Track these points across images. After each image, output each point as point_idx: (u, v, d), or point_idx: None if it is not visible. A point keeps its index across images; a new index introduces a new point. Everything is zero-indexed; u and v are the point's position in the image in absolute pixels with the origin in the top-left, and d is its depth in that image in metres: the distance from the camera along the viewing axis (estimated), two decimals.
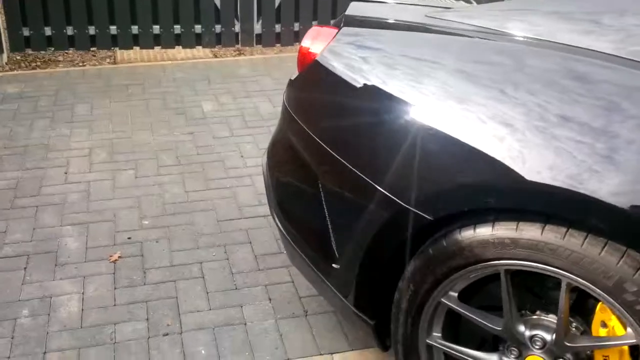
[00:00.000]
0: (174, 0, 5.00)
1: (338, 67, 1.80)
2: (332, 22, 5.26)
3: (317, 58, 1.87)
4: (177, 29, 5.10)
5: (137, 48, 5.08)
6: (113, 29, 4.97)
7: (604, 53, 1.42)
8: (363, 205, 1.67)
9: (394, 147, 1.59)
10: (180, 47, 5.15)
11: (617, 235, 1.29)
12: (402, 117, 1.59)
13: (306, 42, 1.94)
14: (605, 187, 1.24)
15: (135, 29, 5.02)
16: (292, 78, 2.03)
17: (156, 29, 5.05)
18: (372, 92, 1.70)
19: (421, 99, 1.57)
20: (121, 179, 3.16)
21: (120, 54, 4.99)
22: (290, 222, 2.03)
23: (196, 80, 4.49)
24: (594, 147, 1.28)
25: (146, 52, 5.06)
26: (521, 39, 1.56)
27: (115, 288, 2.38)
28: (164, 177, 3.19)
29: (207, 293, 2.36)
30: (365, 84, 1.72)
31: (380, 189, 1.59)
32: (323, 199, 1.82)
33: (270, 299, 2.34)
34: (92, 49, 5.00)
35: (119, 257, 2.55)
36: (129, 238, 2.68)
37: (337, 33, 1.86)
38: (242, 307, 2.29)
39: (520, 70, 1.47)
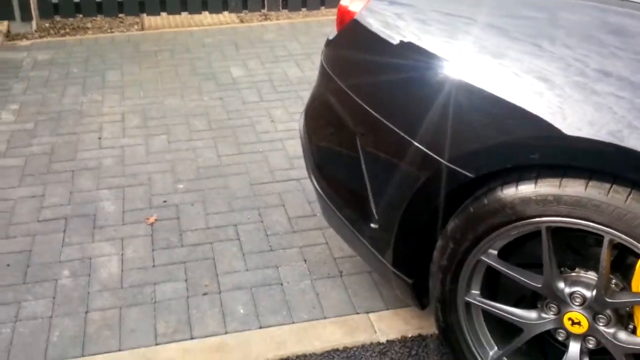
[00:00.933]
0: None
1: (375, 24, 1.80)
2: None
3: (355, 17, 1.86)
4: None
5: (164, 14, 5.07)
6: None
7: None
8: (402, 164, 1.68)
9: (432, 104, 1.59)
10: (207, 12, 5.14)
11: None
12: (440, 73, 1.58)
13: (345, 1, 1.93)
14: None
15: None
16: (330, 37, 2.02)
17: None
18: (409, 49, 1.69)
19: (457, 55, 1.56)
20: (154, 143, 3.19)
21: (147, 20, 5.00)
22: (328, 182, 2.04)
23: (224, 45, 4.49)
24: (633, 102, 1.27)
25: (173, 18, 5.06)
26: None
27: (153, 250, 2.42)
28: (197, 141, 3.21)
29: (244, 254, 2.40)
30: (401, 41, 1.71)
31: (420, 147, 1.59)
32: (362, 158, 1.82)
33: (305, 260, 2.37)
34: (119, 15, 5.01)
35: (156, 219, 2.59)
36: (165, 201, 2.72)
37: None
38: (278, 268, 2.33)
39: (555, 23, 1.45)
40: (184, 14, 5.11)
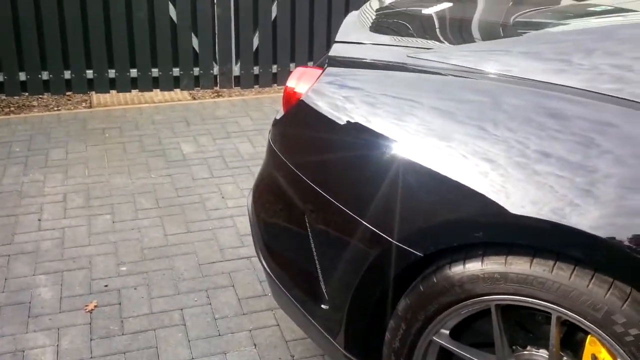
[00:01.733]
0: (151, 44, 5.01)
1: (323, 106, 1.81)
2: (310, 63, 5.32)
3: (302, 98, 1.87)
4: (155, 72, 5.10)
5: (113, 91, 5.06)
6: (89, 73, 4.96)
7: (576, 88, 1.45)
8: (351, 244, 1.66)
9: (381, 184, 1.59)
10: (158, 90, 5.15)
11: (603, 267, 1.30)
12: (388, 154, 1.60)
13: (291, 83, 1.94)
14: (587, 220, 1.26)
15: (112, 73, 5.01)
16: (277, 117, 2.02)
17: (133, 72, 5.05)
18: (357, 131, 1.70)
19: (405, 137, 1.58)
20: (97, 224, 3.10)
21: (96, 97, 4.97)
22: (277, 262, 2.00)
23: (174, 122, 4.48)
24: (573, 181, 1.30)
25: (123, 95, 5.05)
26: (496, 77, 1.59)
27: (91, 339, 2.30)
28: (143, 220, 3.14)
29: (189, 341, 2.30)
30: (349, 122, 1.73)
31: (369, 226, 1.58)
32: (311, 238, 1.80)
33: (255, 345, 2.28)
34: (67, 93, 4.98)
35: (95, 306, 2.48)
36: (106, 286, 2.61)
37: (321, 73, 1.86)
38: (225, 354, 2.24)
39: (498, 107, 1.49)
40: (135, 92, 5.10)
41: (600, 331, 1.31)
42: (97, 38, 4.87)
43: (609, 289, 1.29)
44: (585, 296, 1.30)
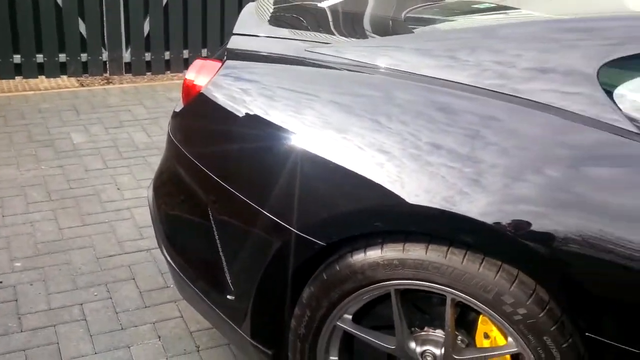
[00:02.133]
0: (36, 29, 4.77)
1: (222, 99, 1.83)
2: (204, 50, 5.25)
3: (202, 90, 1.88)
4: (40, 58, 4.86)
5: None
6: None
7: (462, 84, 1.55)
8: (255, 234, 1.70)
9: (282, 176, 1.63)
10: (44, 77, 4.92)
11: (491, 252, 1.41)
12: (288, 147, 1.64)
13: (190, 75, 1.94)
14: (475, 207, 1.36)
15: None
16: (177, 110, 2.02)
17: (17, 58, 4.80)
18: (256, 122, 1.74)
19: (303, 129, 1.62)
20: None
21: None
22: (180, 254, 2.00)
23: (63, 110, 4.31)
24: (462, 171, 1.40)
25: (6, 82, 4.79)
26: (389, 71, 1.67)
27: None
28: (35, 214, 3.02)
29: (91, 336, 2.26)
30: (248, 115, 1.76)
31: (272, 217, 1.62)
32: (214, 229, 1.82)
33: (159, 337, 2.28)
34: None
35: None
36: (0, 282, 2.51)
37: (220, 66, 1.87)
38: (129, 347, 2.22)
39: (391, 101, 1.57)
40: (19, 79, 4.85)
41: (491, 311, 1.42)
42: None
43: (497, 272, 1.39)
44: (476, 279, 1.41)
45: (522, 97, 1.47)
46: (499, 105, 1.47)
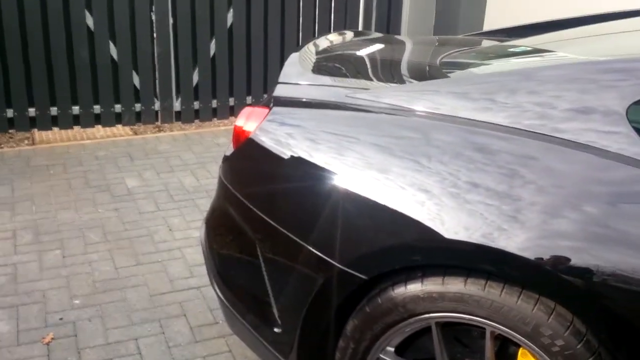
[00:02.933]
0: (93, 81, 5.05)
1: (270, 143, 1.94)
2: (249, 98, 5.45)
3: (250, 136, 2.00)
4: (97, 108, 5.13)
5: (55, 129, 5.06)
6: (32, 111, 4.95)
7: (500, 125, 1.62)
8: (300, 269, 1.78)
9: (325, 213, 1.72)
10: (100, 126, 5.18)
11: (529, 285, 1.46)
12: (333, 186, 1.73)
13: (240, 121, 2.07)
14: (513, 242, 1.41)
15: (54, 110, 5.01)
16: (227, 154, 2.15)
17: (75, 109, 5.07)
18: (300, 164, 1.82)
19: (346, 169, 1.71)
20: (48, 259, 3.13)
21: (38, 134, 4.95)
22: (230, 289, 2.10)
23: (118, 157, 4.53)
24: (500, 209, 1.46)
25: (65, 132, 5.05)
26: (427, 114, 1.75)
27: None
28: (92, 254, 3.18)
29: None
30: (292, 157, 1.86)
31: (317, 252, 1.71)
32: (262, 264, 1.92)
33: None
34: (9, 131, 4.94)
35: (52, 338, 2.52)
36: (61, 319, 2.65)
37: (268, 112, 2.00)
38: None
39: (430, 143, 1.66)
40: (77, 128, 5.12)
41: (529, 343, 1.46)
42: (39, 76, 4.87)
43: (535, 304, 1.44)
44: (514, 311, 1.46)
45: (561, 137, 1.52)
46: (536, 145, 1.52)
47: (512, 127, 1.59)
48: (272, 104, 2.03)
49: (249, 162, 2.07)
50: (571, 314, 1.43)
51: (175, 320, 2.66)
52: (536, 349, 1.46)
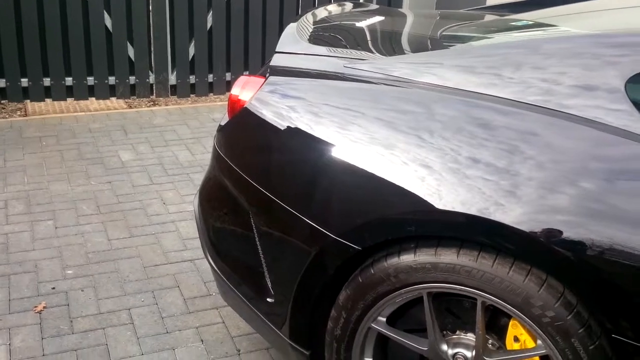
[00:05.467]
0: (86, 52, 5.01)
1: (266, 113, 1.93)
2: (246, 72, 5.42)
3: (246, 105, 1.99)
4: (90, 80, 5.09)
5: (48, 100, 5.02)
6: (24, 81, 4.91)
7: (503, 98, 1.61)
8: (295, 240, 1.78)
9: (323, 185, 1.73)
10: (94, 98, 5.14)
11: (521, 256, 1.46)
12: (332, 159, 1.72)
13: (235, 90, 2.06)
14: (509, 216, 1.42)
15: (47, 81, 4.97)
16: (222, 123, 2.13)
17: (69, 80, 5.03)
18: (302, 137, 1.81)
19: (349, 144, 1.70)
20: (40, 229, 3.12)
21: (31, 106, 4.92)
22: (223, 260, 2.10)
23: (112, 130, 4.50)
24: (499, 184, 1.46)
25: (58, 103, 5.01)
26: (431, 87, 1.74)
27: (42, 338, 2.35)
28: (85, 226, 3.17)
29: (138, 338, 2.37)
30: (290, 127, 1.85)
31: (312, 223, 1.71)
32: (256, 235, 1.92)
33: (202, 341, 2.38)
34: (1, 101, 4.91)
35: (44, 307, 2.52)
36: (53, 288, 2.65)
37: (264, 82, 1.99)
38: (174, 350, 2.32)
39: (432, 118, 1.65)
40: (70, 100, 5.08)
41: (520, 314, 1.47)
42: (32, 46, 4.83)
43: (526, 276, 1.45)
44: (506, 282, 1.47)
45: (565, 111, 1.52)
46: (538, 120, 1.51)
47: (517, 101, 1.57)
48: (268, 73, 2.01)
49: (244, 132, 2.06)
50: (562, 285, 1.44)
51: (169, 292, 2.66)
52: (527, 319, 1.47)
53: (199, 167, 3.93)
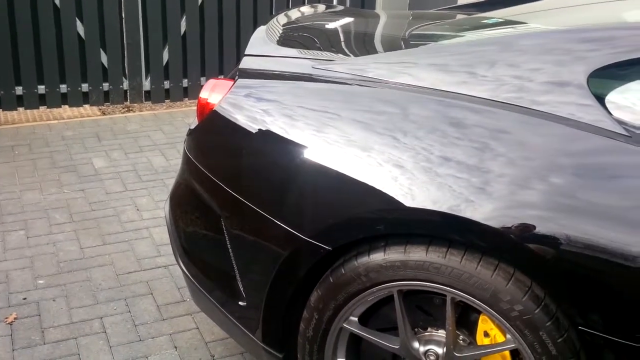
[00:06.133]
0: (59, 60, 4.96)
1: (235, 115, 1.91)
2: (220, 77, 5.41)
3: (215, 108, 1.97)
4: (63, 88, 5.04)
5: (21, 109, 4.96)
6: None
7: (477, 97, 1.61)
8: (266, 242, 1.78)
9: (294, 186, 1.72)
10: (67, 106, 5.09)
11: (489, 251, 1.47)
12: (305, 161, 1.71)
13: (204, 94, 2.04)
14: (479, 213, 1.42)
15: (19, 90, 4.91)
16: (192, 127, 2.12)
17: (41, 88, 4.97)
18: (276, 142, 1.80)
19: (324, 146, 1.69)
20: (11, 239, 3.07)
21: (3, 115, 4.85)
22: (196, 266, 2.09)
23: (85, 137, 4.46)
24: (470, 181, 1.47)
25: (31, 112, 4.95)
26: (404, 87, 1.74)
27: (14, 349, 2.31)
28: (57, 235, 3.13)
29: (111, 347, 2.34)
30: (259, 129, 1.84)
31: (283, 225, 1.70)
32: (227, 239, 1.90)
33: (176, 347, 2.36)
34: None
35: (15, 318, 2.48)
36: (25, 299, 2.61)
37: (232, 85, 1.98)
38: (147, 357, 2.30)
39: (406, 118, 1.65)
40: (43, 108, 5.02)
41: (489, 309, 1.48)
42: (3, 55, 4.76)
43: (494, 271, 1.46)
44: (474, 278, 1.47)
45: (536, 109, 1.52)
46: (510, 118, 1.52)
47: (490, 100, 1.58)
48: (237, 76, 2.01)
49: (213, 135, 2.05)
50: (530, 279, 1.45)
51: (142, 299, 2.64)
52: (495, 314, 1.48)
53: (173, 172, 3.90)
